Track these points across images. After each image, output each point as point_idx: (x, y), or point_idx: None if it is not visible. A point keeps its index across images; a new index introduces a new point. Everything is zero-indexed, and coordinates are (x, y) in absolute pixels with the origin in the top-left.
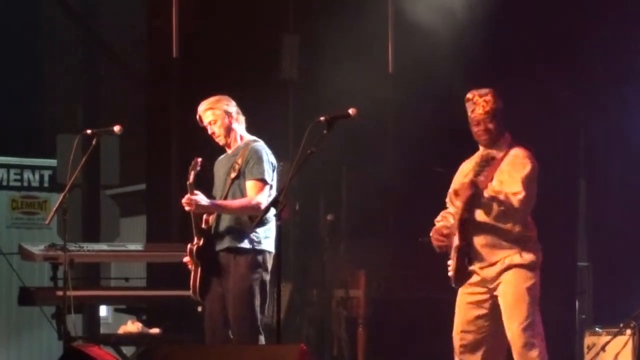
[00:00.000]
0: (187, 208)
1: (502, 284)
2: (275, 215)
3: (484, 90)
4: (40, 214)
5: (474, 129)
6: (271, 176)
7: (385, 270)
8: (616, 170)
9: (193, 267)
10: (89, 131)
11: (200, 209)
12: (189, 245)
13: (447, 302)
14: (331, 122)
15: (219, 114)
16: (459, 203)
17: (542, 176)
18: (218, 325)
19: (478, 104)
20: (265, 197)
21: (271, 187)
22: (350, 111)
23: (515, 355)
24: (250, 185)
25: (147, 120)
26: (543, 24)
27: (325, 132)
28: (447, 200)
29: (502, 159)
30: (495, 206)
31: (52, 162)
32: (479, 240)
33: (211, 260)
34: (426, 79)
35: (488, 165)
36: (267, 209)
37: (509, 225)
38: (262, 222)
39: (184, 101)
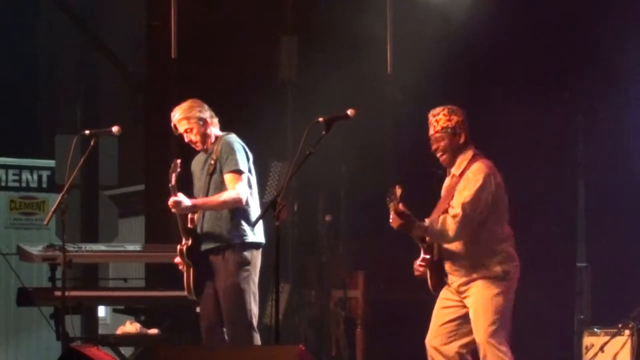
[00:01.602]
0: (172, 210)
1: (469, 296)
2: (273, 216)
3: (437, 109)
4: (39, 214)
5: (433, 149)
6: (246, 165)
7: (384, 271)
8: (615, 171)
9: (185, 268)
10: (87, 132)
11: (184, 210)
12: (178, 247)
13: None
14: (330, 123)
15: (194, 122)
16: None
17: (508, 186)
18: (213, 325)
19: (431, 123)
20: (244, 187)
21: (249, 175)
22: (349, 112)
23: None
24: (227, 178)
25: (146, 120)
26: (543, 24)
27: (323, 132)
28: None
29: (460, 175)
30: (433, 235)
31: (51, 162)
32: (445, 256)
33: (202, 260)
34: (426, 79)
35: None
36: (265, 210)
37: (464, 246)
38: (244, 214)
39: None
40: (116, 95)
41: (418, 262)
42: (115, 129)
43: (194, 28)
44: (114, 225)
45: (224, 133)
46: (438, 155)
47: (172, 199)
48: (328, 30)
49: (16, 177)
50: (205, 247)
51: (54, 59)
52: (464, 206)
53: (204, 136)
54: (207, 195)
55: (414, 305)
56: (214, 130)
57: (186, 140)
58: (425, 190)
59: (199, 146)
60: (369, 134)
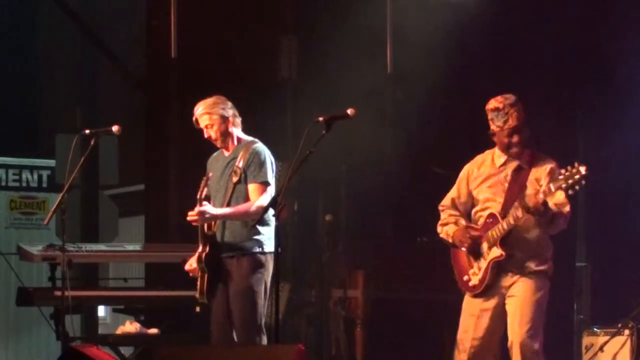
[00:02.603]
0: (193, 223)
1: (514, 288)
2: (273, 216)
3: (512, 99)
4: (39, 214)
5: (506, 140)
6: (273, 178)
7: (384, 271)
8: (615, 170)
9: (200, 274)
10: (87, 131)
11: (207, 220)
12: (197, 253)
13: (445, 303)
14: (330, 123)
15: (215, 119)
16: (520, 214)
17: None
18: (223, 327)
19: (510, 114)
20: (268, 199)
21: (273, 189)
22: (349, 111)
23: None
24: (252, 188)
25: (146, 120)
26: (543, 24)
27: (324, 132)
28: (445, 204)
29: (528, 169)
30: (555, 220)
31: (51, 162)
32: (517, 251)
33: (218, 266)
34: (426, 79)
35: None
36: (266, 209)
37: (547, 235)
38: (266, 223)
39: (183, 101)
40: (116, 94)
41: (494, 258)
42: (115, 128)
43: (194, 28)
44: (114, 225)
45: (250, 140)
46: (511, 146)
47: (197, 209)
48: (328, 30)
49: (16, 177)
50: (225, 253)
51: (54, 58)
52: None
53: (224, 134)
54: (228, 202)
55: (414, 305)
56: (236, 130)
57: (205, 135)
58: (426, 190)
59: (218, 144)
60: (369, 133)
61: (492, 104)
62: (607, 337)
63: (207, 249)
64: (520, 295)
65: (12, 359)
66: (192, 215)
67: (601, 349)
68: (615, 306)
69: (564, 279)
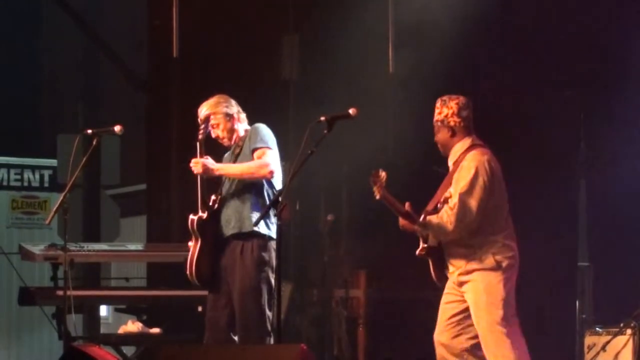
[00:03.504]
0: (194, 170)
1: (467, 292)
2: (275, 215)
3: (446, 96)
4: (41, 213)
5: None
6: (275, 144)
7: (386, 271)
8: (618, 170)
9: (193, 241)
10: (89, 131)
11: (209, 172)
12: (190, 216)
13: None
14: (331, 122)
15: (220, 118)
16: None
17: (505, 174)
18: (219, 322)
19: (436, 108)
20: (273, 159)
21: (276, 155)
22: (351, 111)
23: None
24: (256, 153)
25: (148, 120)
26: (544, 23)
27: (325, 132)
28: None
29: (454, 168)
30: (432, 231)
31: (53, 162)
32: (443, 244)
33: (213, 240)
34: (427, 77)
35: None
36: (268, 208)
37: (461, 237)
38: (268, 220)
39: (184, 101)
40: (118, 94)
41: (417, 251)
42: (117, 128)
43: (196, 27)
44: (116, 225)
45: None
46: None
47: (199, 160)
48: (329, 29)
49: (18, 177)
50: (227, 232)
51: (56, 58)
52: (461, 196)
53: (231, 132)
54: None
55: (415, 304)
56: (241, 126)
57: (213, 135)
58: (426, 189)
59: (225, 142)
60: (371, 133)
61: None
62: (609, 337)
63: (205, 215)
64: (471, 297)
65: (14, 358)
66: (194, 162)
67: (603, 348)
68: (618, 306)
69: (566, 279)
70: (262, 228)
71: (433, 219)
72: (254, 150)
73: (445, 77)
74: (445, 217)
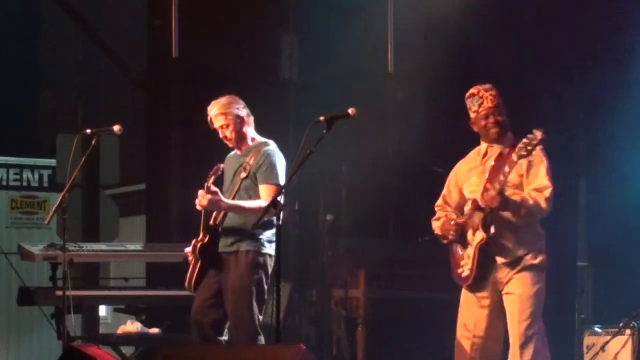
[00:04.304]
0: (199, 207)
1: (512, 283)
2: (275, 216)
3: (487, 85)
4: (40, 214)
5: (484, 122)
6: (284, 171)
7: (385, 271)
8: (617, 170)
9: (193, 261)
10: (88, 131)
11: (215, 207)
12: (193, 241)
13: (446, 302)
14: (331, 122)
15: (231, 119)
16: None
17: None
18: (205, 319)
19: (485, 98)
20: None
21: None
22: (350, 111)
23: (512, 352)
24: (264, 189)
25: (147, 120)
26: (544, 22)
27: (325, 132)
28: (439, 203)
29: (509, 154)
30: (523, 210)
31: (52, 162)
32: (503, 236)
33: (213, 259)
34: (427, 77)
35: (504, 165)
36: (267, 209)
37: (531, 221)
38: (268, 226)
39: (184, 101)
40: (117, 94)
41: (479, 243)
42: (116, 128)
43: (195, 27)
44: (115, 225)
45: (264, 140)
46: (489, 128)
47: (204, 193)
48: (329, 29)
49: (17, 177)
50: (222, 247)
51: (56, 58)
52: (551, 179)
53: (240, 134)
54: (234, 197)
55: (415, 305)
56: (250, 130)
57: (221, 136)
58: (426, 190)
59: (233, 144)
60: (370, 133)
61: (469, 92)
62: (608, 337)
63: (206, 239)
64: (517, 292)
65: (13, 358)
66: (202, 196)
67: (603, 348)
68: (617, 306)
69: (566, 279)
70: (254, 247)
71: (526, 198)
72: (263, 183)
73: (444, 77)
74: (540, 196)
